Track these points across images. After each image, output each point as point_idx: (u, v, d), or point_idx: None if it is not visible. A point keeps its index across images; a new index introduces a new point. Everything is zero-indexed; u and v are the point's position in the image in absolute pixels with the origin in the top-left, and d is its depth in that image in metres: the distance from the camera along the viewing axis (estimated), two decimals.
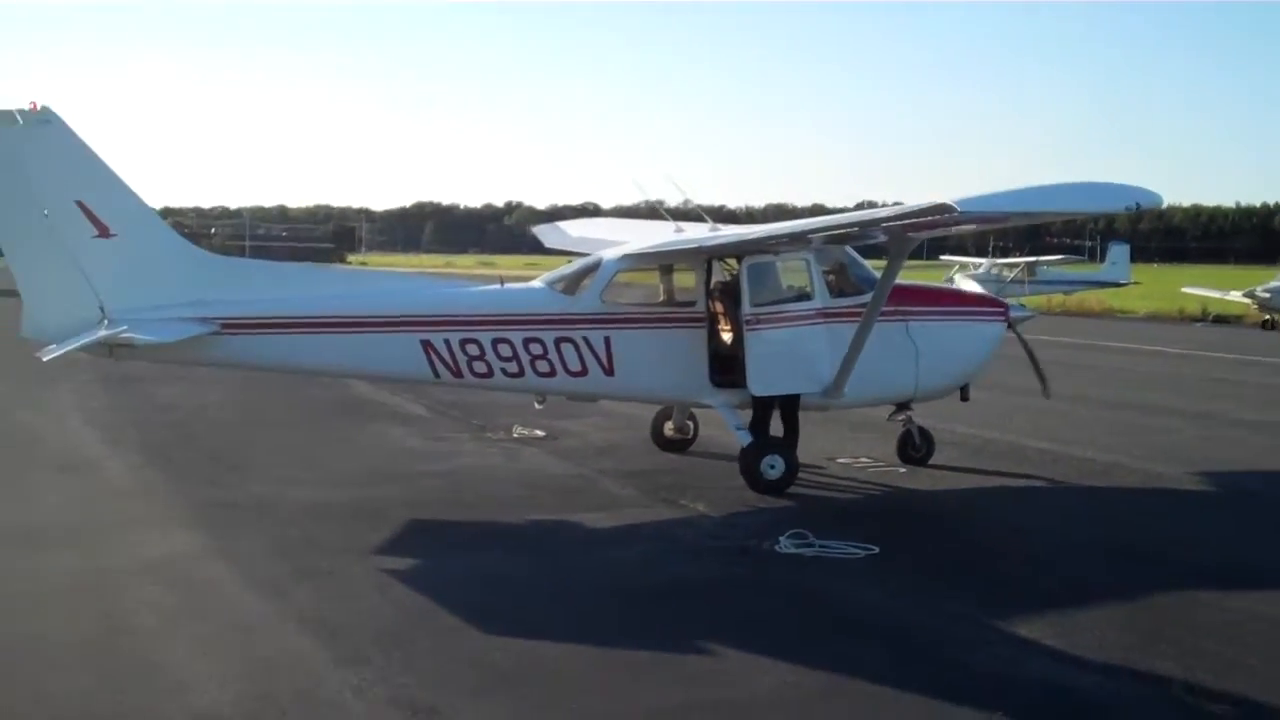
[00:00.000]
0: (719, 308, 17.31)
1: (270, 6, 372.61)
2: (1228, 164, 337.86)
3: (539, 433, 20.74)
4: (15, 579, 12.10)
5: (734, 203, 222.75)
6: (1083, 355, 39.58)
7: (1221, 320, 59.95)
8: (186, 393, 24.98)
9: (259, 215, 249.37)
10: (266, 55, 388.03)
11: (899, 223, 14.24)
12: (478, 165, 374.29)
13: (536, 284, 17.58)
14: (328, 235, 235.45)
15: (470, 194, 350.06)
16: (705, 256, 17.19)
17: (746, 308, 16.42)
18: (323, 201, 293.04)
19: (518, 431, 20.81)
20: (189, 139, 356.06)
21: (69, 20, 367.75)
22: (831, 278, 17.33)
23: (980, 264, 70.73)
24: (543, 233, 23.99)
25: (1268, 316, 55.93)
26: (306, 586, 11.81)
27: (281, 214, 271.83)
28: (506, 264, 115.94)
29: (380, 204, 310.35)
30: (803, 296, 16.95)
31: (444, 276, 18.10)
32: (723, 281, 17.50)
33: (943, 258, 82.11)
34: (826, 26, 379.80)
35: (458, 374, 16.36)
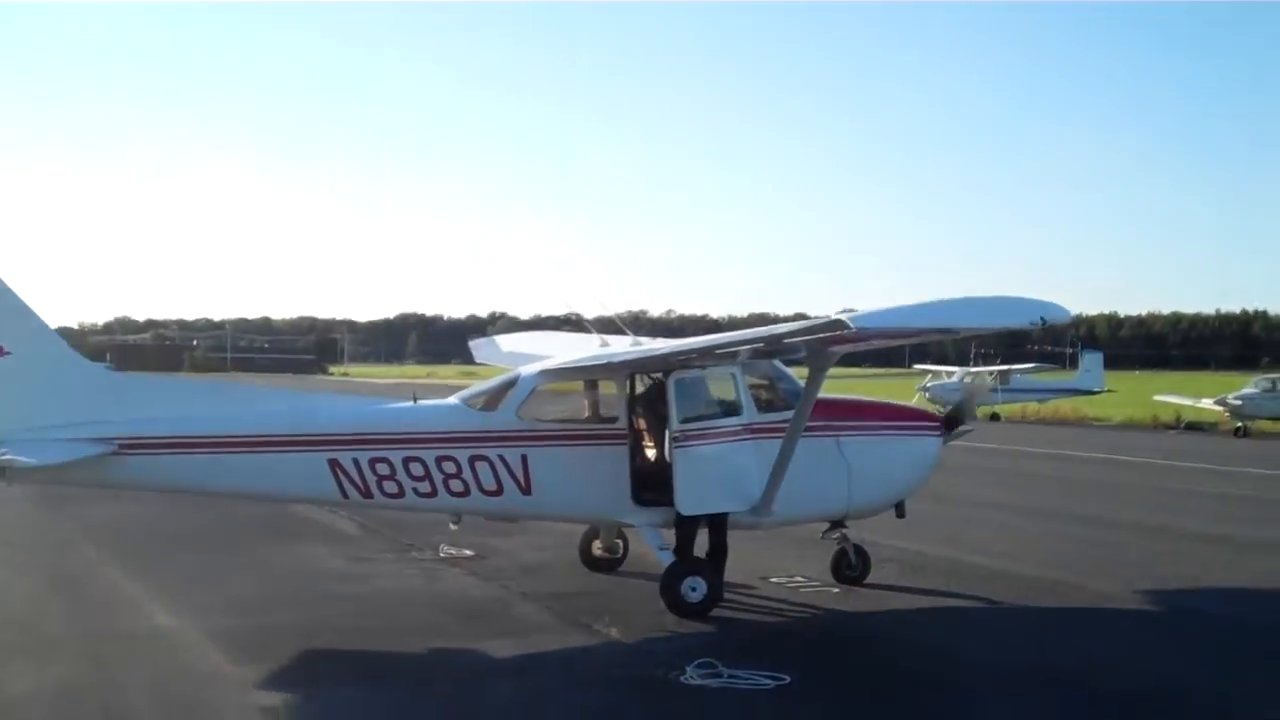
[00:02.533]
0: (642, 423, 16.78)
1: (250, 118, 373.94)
2: (1207, 271, 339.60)
3: (467, 552, 20.05)
4: None
5: (716, 312, 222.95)
6: (1048, 465, 39.28)
7: (1194, 427, 59.67)
8: (118, 513, 24.17)
9: (242, 327, 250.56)
10: (250, 165, 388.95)
11: (796, 339, 13.77)
12: (462, 276, 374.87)
13: (452, 400, 17.03)
14: (310, 347, 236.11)
15: (454, 305, 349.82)
16: (625, 371, 16.68)
17: (674, 423, 15.84)
18: (307, 313, 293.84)
19: (445, 551, 20.11)
20: (173, 251, 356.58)
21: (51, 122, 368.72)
22: (760, 392, 16.83)
23: (954, 372, 70.80)
24: (477, 347, 23.51)
25: (1239, 423, 55.66)
26: None
27: (265, 325, 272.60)
28: (490, 374, 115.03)
29: (364, 315, 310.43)
30: (730, 411, 16.38)
31: (388, 391, 17.40)
32: (646, 396, 16.97)
33: (916, 366, 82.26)
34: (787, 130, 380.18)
35: (367, 494, 15.80)
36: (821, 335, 13.13)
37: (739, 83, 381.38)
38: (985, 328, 14.78)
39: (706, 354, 15.68)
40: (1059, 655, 14.11)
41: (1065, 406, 69.85)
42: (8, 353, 15.26)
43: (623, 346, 18.17)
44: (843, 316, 12.16)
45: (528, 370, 16.87)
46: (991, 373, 69.09)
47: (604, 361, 17.00)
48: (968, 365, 78.90)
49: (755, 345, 15.22)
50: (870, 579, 17.73)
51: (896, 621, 15.93)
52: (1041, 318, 12.64)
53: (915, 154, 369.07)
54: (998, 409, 67.24)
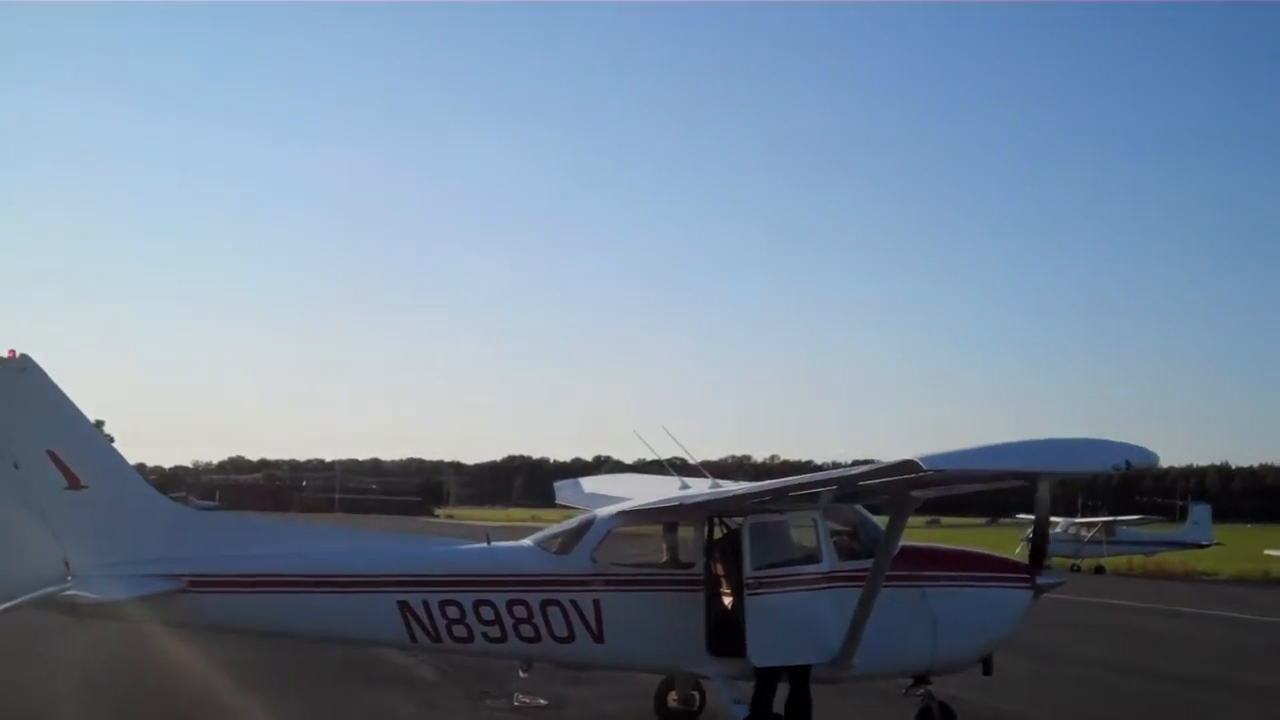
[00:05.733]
0: (719, 569, 16.31)
1: (365, 270, 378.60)
2: None
3: (542, 701, 19.59)
4: None
5: (821, 457, 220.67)
6: (1152, 621, 38.01)
7: None
8: (200, 649, 23.88)
9: (352, 468, 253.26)
10: (358, 313, 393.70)
11: (868, 480, 13.35)
12: (568, 419, 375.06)
13: (526, 542, 16.75)
14: (417, 488, 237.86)
15: (560, 448, 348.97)
16: (701, 514, 16.30)
17: (747, 569, 15.43)
18: (415, 455, 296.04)
19: (519, 700, 19.64)
20: (288, 394, 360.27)
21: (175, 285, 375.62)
22: (842, 538, 16.36)
23: (1058, 523, 69.43)
24: (560, 489, 23.17)
25: None
26: None
27: (375, 467, 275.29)
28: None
29: (471, 457, 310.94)
30: (810, 558, 15.92)
31: (503, 532, 17.51)
32: (724, 541, 16.54)
33: (1019, 516, 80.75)
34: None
35: (436, 638, 15.54)
36: (894, 477, 12.71)
37: (845, 224, 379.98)
38: (1066, 471, 14.24)
39: (780, 496, 15.31)
40: None
41: (1173, 560, 68.13)
42: (85, 486, 15.28)
43: (702, 489, 17.80)
44: (914, 457, 11.75)
45: (604, 512, 16.60)
46: (1097, 524, 67.85)
47: (679, 504, 16.64)
48: (1074, 516, 77.44)
49: (829, 488, 14.83)
50: None
51: None
52: (1127, 461, 12.14)
53: (1030, 306, 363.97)
54: (1103, 561, 65.83)
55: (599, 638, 15.70)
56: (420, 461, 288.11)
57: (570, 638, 15.66)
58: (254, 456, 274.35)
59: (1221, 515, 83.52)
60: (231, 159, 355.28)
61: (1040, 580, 17.50)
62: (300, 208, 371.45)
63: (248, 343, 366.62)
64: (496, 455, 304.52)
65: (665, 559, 16.72)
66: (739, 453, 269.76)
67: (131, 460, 16.69)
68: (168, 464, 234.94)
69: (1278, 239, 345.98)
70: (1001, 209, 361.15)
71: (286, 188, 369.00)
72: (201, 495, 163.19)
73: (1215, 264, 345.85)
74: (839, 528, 16.44)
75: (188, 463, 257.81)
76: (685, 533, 16.59)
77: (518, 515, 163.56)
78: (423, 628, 15.43)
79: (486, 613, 15.54)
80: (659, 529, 17.06)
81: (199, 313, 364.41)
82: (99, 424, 17.97)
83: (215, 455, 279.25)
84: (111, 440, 17.35)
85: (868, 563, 15.58)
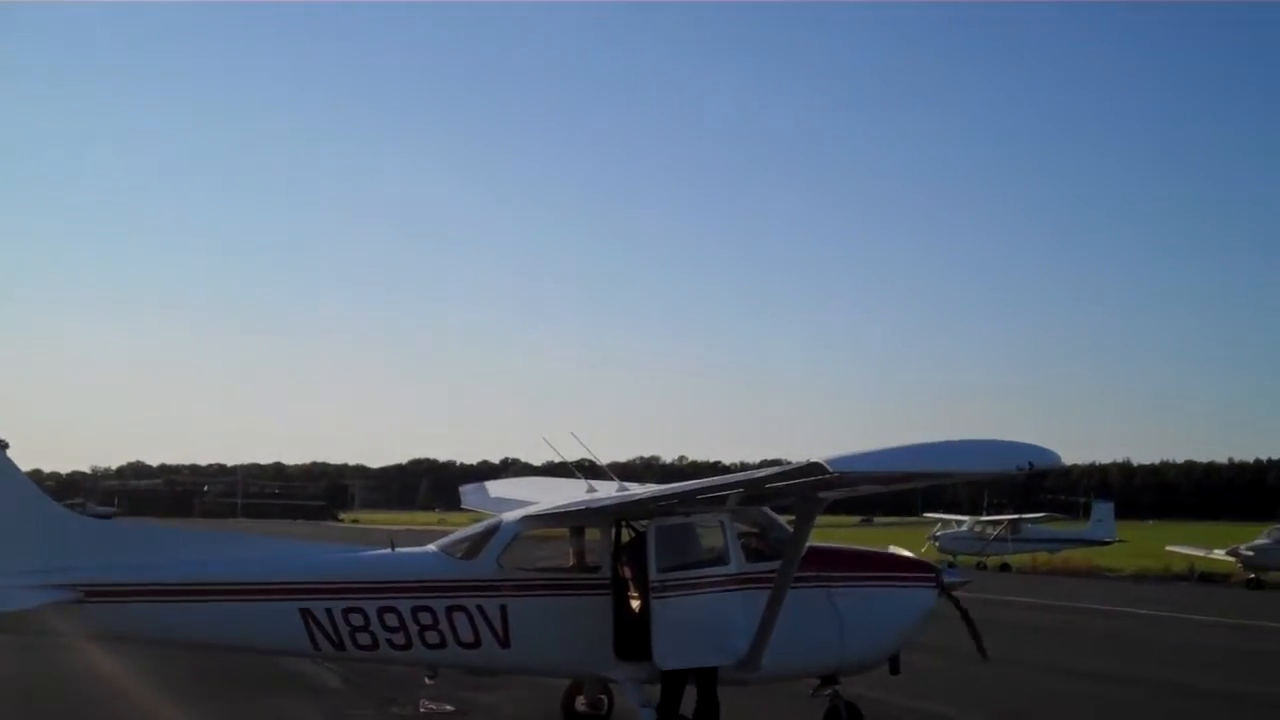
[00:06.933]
0: (626, 572, 16.21)
1: (269, 271, 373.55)
2: (1221, 419, 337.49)
3: (448, 707, 19.35)
4: None
5: (730, 458, 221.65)
6: (1057, 617, 38.48)
7: (1207, 578, 58.79)
8: (96, 659, 23.41)
9: (254, 473, 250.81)
10: (259, 313, 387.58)
11: (775, 483, 13.35)
12: (475, 422, 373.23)
13: (430, 547, 16.56)
14: (321, 492, 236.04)
15: (467, 451, 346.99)
16: (608, 518, 16.20)
17: (652, 572, 15.33)
18: (320, 459, 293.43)
19: (425, 706, 19.39)
20: (187, 397, 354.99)
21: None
22: (749, 540, 16.32)
23: (964, 521, 70.35)
24: (466, 492, 23.03)
25: (1253, 574, 54.74)
26: None
27: (277, 471, 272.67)
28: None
29: (376, 460, 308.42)
30: (717, 560, 15.84)
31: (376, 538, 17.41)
32: (631, 544, 16.46)
33: (926, 514, 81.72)
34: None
35: (340, 646, 15.33)
36: (800, 479, 12.73)
37: (751, 223, 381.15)
38: (969, 472, 14.35)
39: (687, 499, 15.25)
40: None
41: (1077, 556, 69.01)
42: None
43: (609, 492, 17.72)
44: (820, 459, 11.76)
45: (510, 517, 16.45)
46: (1002, 522, 68.76)
47: (585, 508, 16.54)
48: (979, 514, 78.41)
49: (735, 490, 14.81)
50: None
51: None
52: (1030, 462, 12.27)
53: (937, 305, 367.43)
54: (1008, 559, 66.69)
55: (505, 643, 15.56)
56: (324, 465, 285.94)
57: (476, 643, 15.51)
58: (154, 461, 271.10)
59: (1124, 512, 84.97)
60: (115, 148, 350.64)
61: (946, 579, 17.67)
62: (197, 201, 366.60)
63: (146, 345, 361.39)
64: (402, 458, 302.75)
65: (572, 563, 16.60)
66: (647, 454, 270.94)
67: (26, 467, 16.29)
68: (65, 469, 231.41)
69: (1178, 240, 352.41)
70: (905, 209, 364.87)
71: (174, 179, 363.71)
72: (100, 501, 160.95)
73: (1115, 263, 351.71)
74: (746, 529, 16.40)
75: (85, 468, 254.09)
76: (592, 536, 16.47)
77: (424, 519, 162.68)
78: (326, 635, 15.21)
79: (391, 619, 15.34)
80: (565, 533, 16.92)
81: (96, 315, 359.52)
82: None
83: (114, 460, 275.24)
84: (5, 446, 16.85)
85: (775, 564, 15.57)
